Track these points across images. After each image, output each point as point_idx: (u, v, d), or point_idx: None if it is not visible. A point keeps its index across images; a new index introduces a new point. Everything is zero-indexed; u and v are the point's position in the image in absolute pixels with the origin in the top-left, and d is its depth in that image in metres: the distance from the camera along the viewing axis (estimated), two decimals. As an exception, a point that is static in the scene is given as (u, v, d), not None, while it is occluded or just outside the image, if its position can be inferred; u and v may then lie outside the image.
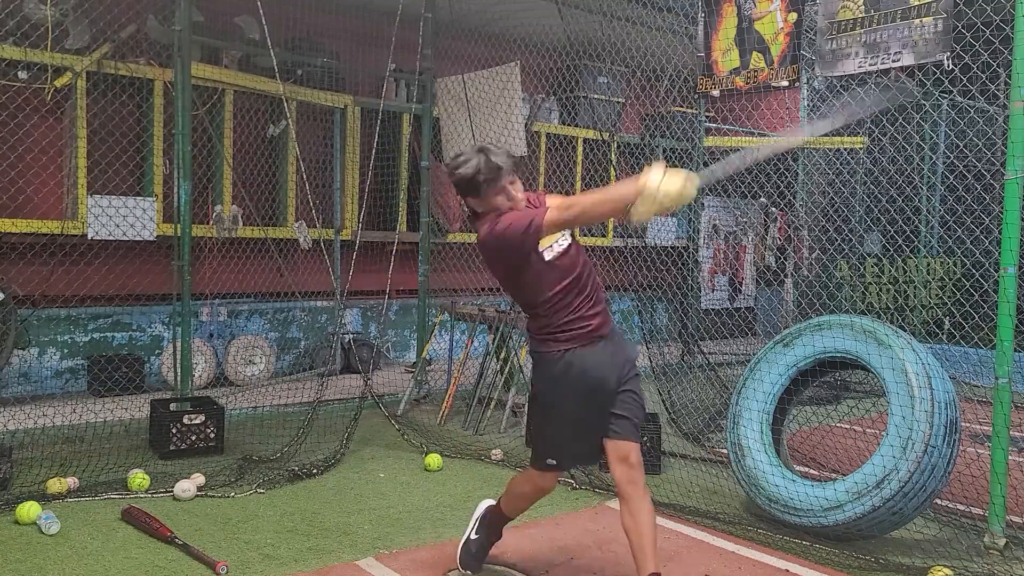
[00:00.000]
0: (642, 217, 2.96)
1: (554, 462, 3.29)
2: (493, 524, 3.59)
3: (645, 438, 5.10)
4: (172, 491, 4.44)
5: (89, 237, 6.18)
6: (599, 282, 3.32)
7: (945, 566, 3.59)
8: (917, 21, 4.15)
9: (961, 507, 4.35)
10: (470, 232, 8.37)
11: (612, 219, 3.41)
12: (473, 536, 3.58)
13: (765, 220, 10.53)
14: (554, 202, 3.16)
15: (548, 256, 3.15)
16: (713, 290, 10.64)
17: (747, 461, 4.29)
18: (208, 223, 7.08)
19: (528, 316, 3.31)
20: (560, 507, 4.45)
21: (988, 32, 4.21)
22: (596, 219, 3.25)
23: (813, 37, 4.80)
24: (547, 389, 3.24)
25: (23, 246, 6.11)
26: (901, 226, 8.59)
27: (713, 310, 10.35)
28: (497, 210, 3.15)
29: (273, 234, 7.35)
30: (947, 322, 8.75)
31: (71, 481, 4.45)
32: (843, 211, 8.55)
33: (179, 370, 5.58)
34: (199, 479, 4.59)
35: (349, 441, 5.56)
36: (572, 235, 3.28)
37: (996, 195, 7.14)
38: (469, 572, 3.55)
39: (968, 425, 4.96)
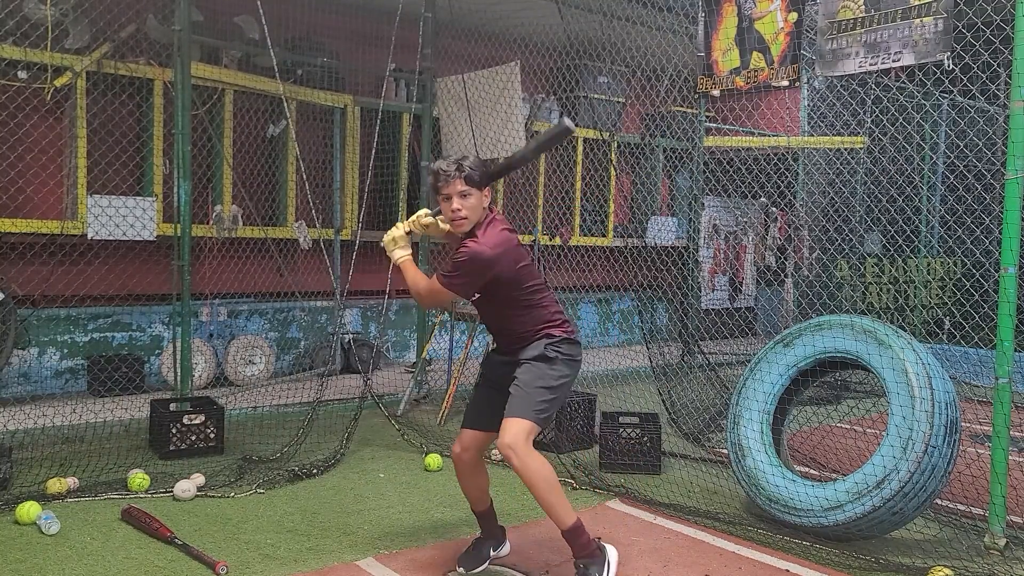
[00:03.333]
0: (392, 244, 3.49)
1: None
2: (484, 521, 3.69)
3: (646, 437, 5.13)
4: (172, 491, 4.44)
5: (89, 237, 6.18)
6: (514, 323, 3.52)
7: (945, 566, 3.59)
8: (917, 21, 4.15)
9: (961, 507, 4.35)
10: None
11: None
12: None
13: (765, 220, 10.53)
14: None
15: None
16: (713, 290, 10.64)
17: (747, 461, 4.29)
18: (208, 223, 7.08)
19: (514, 320, 3.44)
20: (560, 507, 4.45)
21: (988, 32, 4.21)
22: (430, 294, 3.46)
23: (813, 37, 4.80)
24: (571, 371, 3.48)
25: (23, 246, 6.11)
26: (901, 226, 8.59)
27: (713, 310, 10.35)
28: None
29: (273, 234, 7.35)
30: (947, 322, 8.75)
31: (71, 481, 4.45)
32: (843, 211, 8.55)
33: (179, 370, 5.58)
34: (199, 479, 4.58)
35: (349, 441, 5.56)
36: None
37: (996, 195, 7.14)
38: (466, 569, 3.56)
39: (968, 425, 4.96)
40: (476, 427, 3.51)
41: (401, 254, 3.47)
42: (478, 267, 3.24)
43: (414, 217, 3.47)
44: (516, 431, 3.22)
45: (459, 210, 3.25)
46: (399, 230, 3.46)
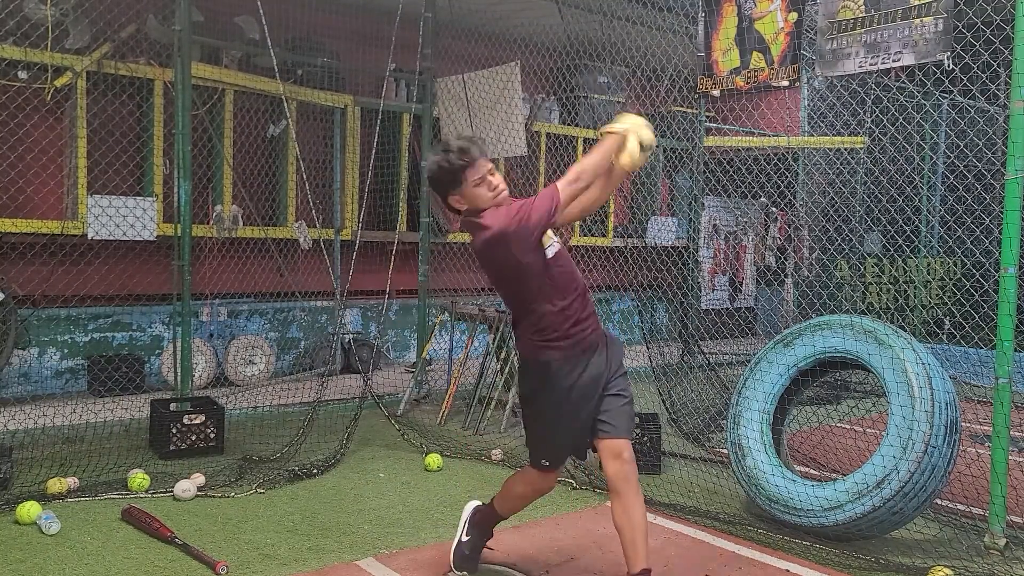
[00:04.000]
0: (626, 163, 3.14)
1: (548, 463, 3.29)
2: (483, 524, 3.58)
3: (646, 437, 5.12)
4: (172, 491, 4.44)
5: (89, 237, 6.18)
6: (587, 289, 3.29)
7: (945, 566, 3.59)
8: (917, 21, 4.15)
9: (961, 507, 4.35)
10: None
11: (608, 192, 3.40)
12: (464, 538, 3.56)
13: (765, 220, 10.53)
14: (555, 185, 3.09)
15: (549, 254, 3.12)
16: (713, 290, 10.64)
17: (747, 461, 4.29)
18: (208, 223, 7.08)
19: (519, 319, 3.23)
20: (560, 507, 4.45)
21: (988, 32, 4.21)
22: (595, 179, 3.20)
23: (813, 37, 4.80)
24: (543, 394, 3.20)
25: (23, 246, 6.11)
26: (901, 226, 8.60)
27: (713, 310, 10.36)
28: (480, 206, 3.10)
29: (273, 234, 7.35)
30: (947, 322, 8.75)
31: (71, 481, 4.45)
32: (843, 211, 8.56)
33: (179, 370, 5.58)
34: (199, 479, 4.58)
35: (349, 441, 5.56)
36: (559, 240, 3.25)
37: (996, 195, 7.14)
38: (465, 574, 3.54)
39: (968, 425, 4.96)
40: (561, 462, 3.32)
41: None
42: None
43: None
44: (631, 450, 3.10)
45: (499, 184, 3.09)
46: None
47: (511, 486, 3.47)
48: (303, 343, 8.09)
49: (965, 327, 5.90)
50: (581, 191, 3.09)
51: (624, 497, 3.08)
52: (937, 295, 9.62)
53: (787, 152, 8.78)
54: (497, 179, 3.12)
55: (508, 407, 6.17)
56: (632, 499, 3.07)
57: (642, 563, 3.05)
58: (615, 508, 3.11)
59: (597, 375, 3.17)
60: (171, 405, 5.38)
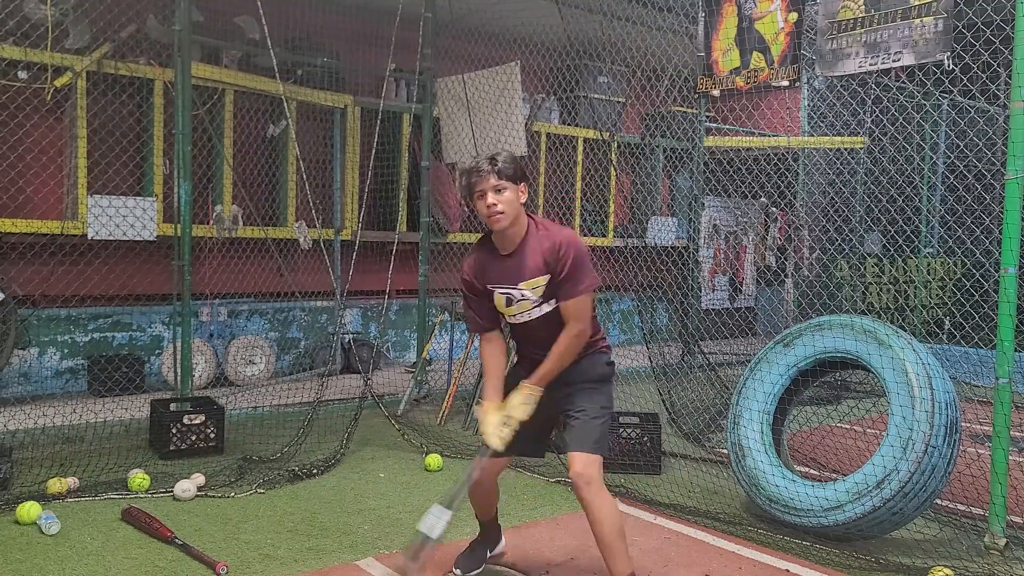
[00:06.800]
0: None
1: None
2: (487, 528, 3.63)
3: (646, 437, 5.12)
4: (172, 491, 4.44)
5: (89, 237, 6.18)
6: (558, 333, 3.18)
7: (945, 566, 3.59)
8: (917, 21, 4.15)
9: (961, 507, 4.35)
10: (470, 232, 8.39)
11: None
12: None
13: (765, 220, 10.53)
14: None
15: (517, 320, 3.22)
16: (713, 290, 10.64)
17: (747, 461, 4.29)
18: (208, 223, 7.08)
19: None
20: (560, 507, 4.45)
21: (988, 32, 4.21)
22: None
23: (813, 37, 4.80)
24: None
25: (23, 246, 6.11)
26: (901, 226, 8.60)
27: (713, 310, 10.35)
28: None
29: (273, 234, 7.35)
30: (947, 322, 8.75)
31: (71, 481, 4.45)
32: (843, 211, 8.56)
33: (179, 370, 5.58)
34: (199, 479, 4.59)
35: (349, 441, 5.56)
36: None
37: (996, 195, 7.14)
38: (466, 572, 3.55)
39: (968, 425, 4.96)
40: (508, 454, 3.27)
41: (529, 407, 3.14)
42: (585, 254, 3.08)
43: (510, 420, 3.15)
44: (588, 462, 3.06)
45: (495, 205, 3.02)
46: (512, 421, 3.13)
47: (472, 493, 3.41)
48: (303, 343, 8.08)
49: (965, 327, 5.90)
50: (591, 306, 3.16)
51: (586, 509, 3.08)
52: (937, 295, 9.62)
53: (787, 152, 8.78)
54: (492, 199, 3.05)
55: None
56: (591, 510, 3.06)
57: (622, 568, 3.06)
58: (587, 518, 3.13)
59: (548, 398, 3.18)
60: (171, 405, 5.38)
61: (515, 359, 3.39)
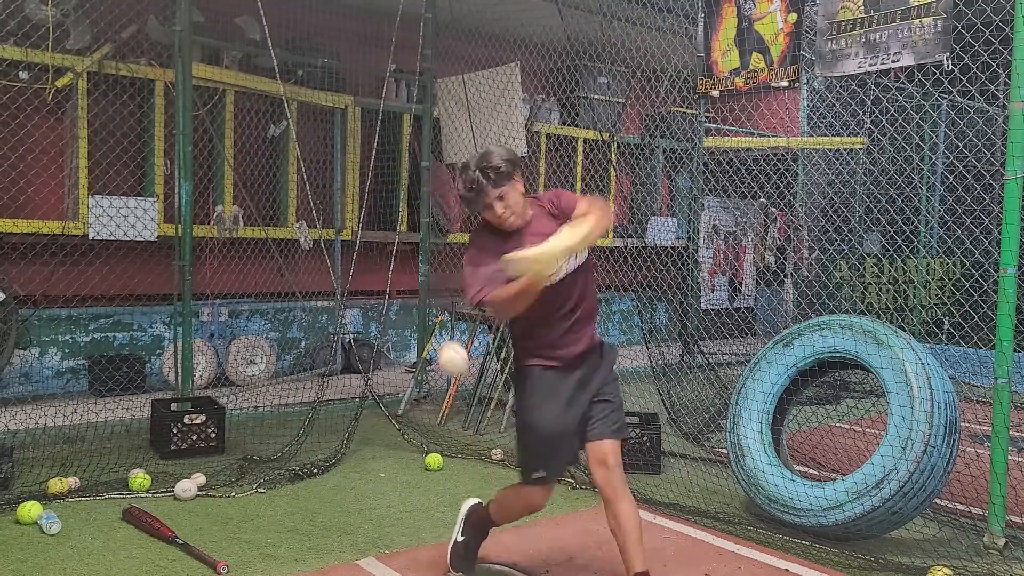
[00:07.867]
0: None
1: (542, 475, 3.22)
2: (479, 526, 3.56)
3: (646, 437, 5.13)
4: (173, 491, 4.45)
5: (90, 237, 6.19)
6: (592, 303, 3.23)
7: (945, 566, 3.59)
8: (917, 21, 4.16)
9: (961, 507, 4.35)
10: (470, 232, 8.39)
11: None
12: (460, 538, 3.54)
13: (765, 220, 10.53)
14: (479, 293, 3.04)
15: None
16: (713, 290, 10.64)
17: (747, 461, 4.30)
18: (209, 223, 7.09)
19: (512, 323, 3.24)
20: (560, 507, 4.46)
21: (988, 32, 4.22)
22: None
23: (813, 37, 4.81)
24: (529, 401, 3.21)
25: (24, 246, 6.12)
26: (901, 226, 8.60)
27: (713, 310, 10.35)
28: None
29: (274, 234, 7.36)
30: (947, 322, 8.76)
31: (72, 481, 4.45)
32: (843, 211, 8.56)
33: (180, 370, 5.59)
34: (200, 479, 4.59)
35: (349, 441, 5.57)
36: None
37: (996, 195, 7.15)
38: (462, 574, 3.54)
39: (968, 425, 4.97)
40: (560, 472, 3.30)
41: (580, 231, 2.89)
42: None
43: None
44: (618, 453, 3.10)
45: (504, 212, 3.05)
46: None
47: (505, 497, 3.42)
48: (304, 343, 8.09)
49: (964, 327, 5.90)
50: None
51: (612, 505, 3.09)
52: (936, 295, 9.63)
53: (787, 152, 8.79)
54: (500, 210, 3.06)
55: (508, 407, 6.18)
56: (621, 506, 3.08)
57: (638, 566, 3.06)
58: (607, 515, 3.13)
59: (585, 382, 3.18)
60: (172, 405, 5.39)
61: (519, 361, 3.30)
